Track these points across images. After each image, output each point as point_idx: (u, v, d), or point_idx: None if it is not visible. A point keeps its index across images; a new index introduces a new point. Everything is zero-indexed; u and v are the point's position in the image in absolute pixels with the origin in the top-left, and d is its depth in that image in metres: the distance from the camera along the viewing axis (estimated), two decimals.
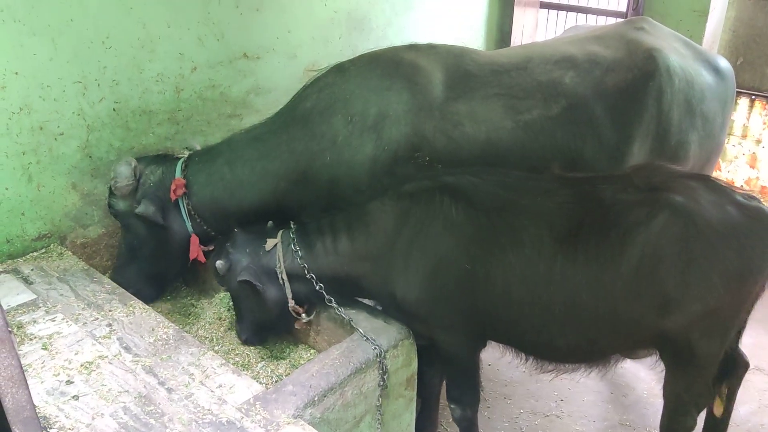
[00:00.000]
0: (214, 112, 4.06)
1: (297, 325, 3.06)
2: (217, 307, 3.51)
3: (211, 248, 3.38)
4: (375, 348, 2.77)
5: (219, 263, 2.93)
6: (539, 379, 3.86)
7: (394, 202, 2.83)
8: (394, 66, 3.23)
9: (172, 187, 3.22)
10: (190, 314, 3.57)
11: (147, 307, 3.04)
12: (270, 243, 2.95)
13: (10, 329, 1.72)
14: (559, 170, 2.82)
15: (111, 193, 3.34)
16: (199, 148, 3.50)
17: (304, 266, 2.90)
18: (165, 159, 3.38)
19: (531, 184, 2.75)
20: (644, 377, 4.04)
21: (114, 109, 3.59)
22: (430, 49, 3.38)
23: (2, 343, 1.67)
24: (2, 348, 1.67)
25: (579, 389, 3.93)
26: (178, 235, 3.34)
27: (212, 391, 2.52)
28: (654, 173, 2.68)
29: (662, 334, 2.61)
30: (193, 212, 3.29)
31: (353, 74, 3.22)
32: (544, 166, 2.96)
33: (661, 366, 2.82)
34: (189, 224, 3.31)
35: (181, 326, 3.23)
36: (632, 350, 2.80)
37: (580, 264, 2.54)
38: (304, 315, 3.02)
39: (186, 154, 3.44)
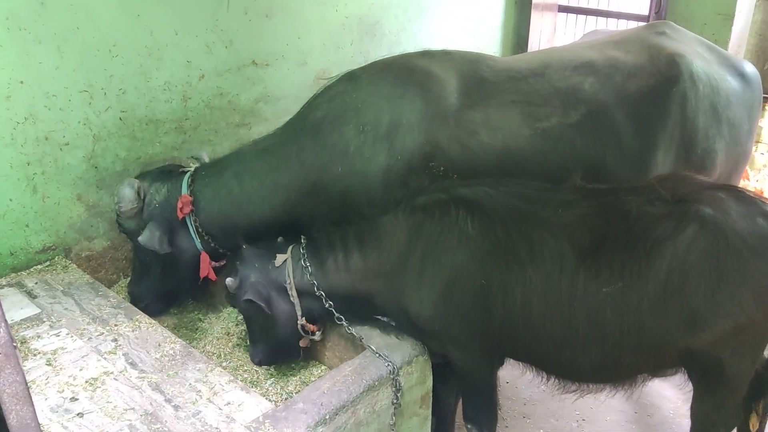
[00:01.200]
0: (222, 121, 4.10)
1: (302, 343, 3.08)
2: (225, 321, 3.53)
3: (222, 264, 3.42)
4: (388, 365, 2.77)
5: (229, 280, 2.95)
6: (560, 397, 3.77)
7: (406, 215, 2.83)
8: (407, 73, 3.25)
9: (179, 205, 3.23)
10: (197, 329, 3.59)
11: (153, 321, 3.06)
12: (279, 258, 2.96)
13: (15, 344, 1.74)
14: (580, 180, 2.80)
15: (117, 214, 3.37)
16: (206, 158, 3.54)
17: (314, 283, 2.91)
18: (170, 175, 3.41)
19: (551, 196, 2.73)
20: (670, 396, 3.99)
21: (120, 119, 3.64)
22: (445, 55, 3.40)
23: (7, 359, 1.67)
24: (7, 364, 1.67)
25: (601, 409, 3.89)
26: (187, 253, 3.36)
27: (220, 409, 2.53)
28: (680, 184, 2.67)
29: (691, 352, 2.58)
30: (201, 229, 3.30)
31: (365, 82, 3.24)
32: (564, 176, 2.95)
33: (688, 384, 2.79)
34: (198, 242, 3.34)
35: (188, 341, 3.24)
36: (659, 369, 2.77)
37: (604, 279, 2.53)
38: (317, 334, 3.04)
39: (193, 166, 3.47)
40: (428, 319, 2.79)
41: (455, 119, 3.15)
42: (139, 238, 3.21)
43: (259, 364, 3.15)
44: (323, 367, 3.22)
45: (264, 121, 4.26)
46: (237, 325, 3.48)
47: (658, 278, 2.49)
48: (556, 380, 2.84)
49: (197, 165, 3.48)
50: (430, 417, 3.08)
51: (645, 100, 3.32)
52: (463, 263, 2.70)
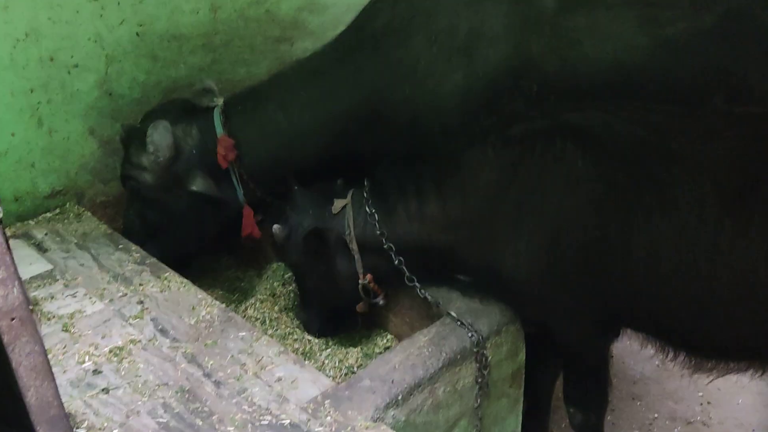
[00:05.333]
0: (258, 36, 4.05)
1: (359, 308, 3.09)
2: (270, 281, 3.56)
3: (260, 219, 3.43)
4: (472, 335, 2.74)
5: (276, 228, 2.95)
6: (679, 375, 3.75)
7: (498, 149, 2.75)
8: None
9: (221, 151, 3.24)
10: (235, 290, 3.62)
11: (185, 280, 3.08)
12: (338, 204, 2.95)
13: (31, 307, 1.73)
14: (723, 103, 2.65)
15: (135, 166, 3.36)
16: (215, 87, 3.49)
17: (381, 233, 2.88)
18: (193, 112, 3.40)
19: (686, 124, 2.61)
20: None
21: (137, 34, 3.61)
22: None
23: (23, 325, 1.67)
24: (23, 331, 1.67)
25: (731, 389, 3.83)
26: (228, 208, 3.39)
27: (270, 386, 2.52)
28: None
29: None
30: (245, 176, 3.33)
31: None
32: (692, 98, 2.82)
33: None
34: (241, 193, 3.37)
35: (225, 304, 3.21)
36: None
37: (757, 230, 2.41)
38: (380, 297, 3.03)
39: (214, 100, 3.41)
40: (525, 280, 2.75)
41: (552, 26, 3.02)
42: (193, 187, 3.25)
43: (314, 334, 3.19)
44: (389, 336, 3.24)
45: (309, 34, 4.19)
46: (284, 285, 3.50)
47: None
48: (688, 356, 2.77)
49: (212, 98, 3.44)
50: (522, 399, 3.06)
51: None
52: (572, 210, 2.63)
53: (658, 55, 3.00)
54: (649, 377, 3.95)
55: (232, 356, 2.65)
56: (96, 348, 2.68)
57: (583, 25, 3.01)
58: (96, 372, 2.57)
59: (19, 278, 1.69)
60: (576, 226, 2.63)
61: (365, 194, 2.95)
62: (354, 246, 2.92)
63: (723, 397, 3.81)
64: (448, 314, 2.81)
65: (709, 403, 3.79)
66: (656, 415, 3.73)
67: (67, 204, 3.58)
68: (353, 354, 3.12)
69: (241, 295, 3.55)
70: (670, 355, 2.81)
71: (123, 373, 2.56)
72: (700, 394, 3.84)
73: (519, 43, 2.99)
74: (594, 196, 2.61)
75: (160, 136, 3.21)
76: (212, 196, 3.28)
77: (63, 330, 2.76)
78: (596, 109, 2.71)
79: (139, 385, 2.51)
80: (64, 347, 2.68)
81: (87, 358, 2.63)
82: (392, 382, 2.52)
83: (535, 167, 2.68)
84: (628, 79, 2.99)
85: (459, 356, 2.69)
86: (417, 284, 2.90)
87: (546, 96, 2.98)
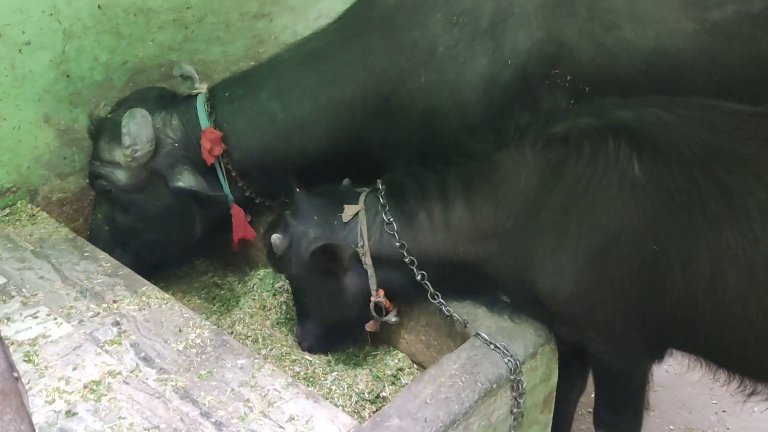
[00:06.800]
0: (234, 11, 3.93)
1: (369, 327, 2.93)
2: (258, 291, 3.34)
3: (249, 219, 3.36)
4: (508, 360, 2.54)
5: (276, 237, 2.75)
6: (691, 383, 3.72)
7: (537, 150, 2.57)
8: None
9: (206, 145, 3.07)
10: (214, 298, 3.44)
11: (166, 296, 2.91)
12: (349, 210, 2.76)
13: (16, 375, 1.44)
14: None
15: (106, 163, 3.14)
16: (194, 72, 3.36)
17: (401, 245, 2.70)
18: (173, 101, 3.25)
19: (756, 123, 2.42)
20: None
21: (99, 6, 3.45)
22: None
23: (5, 399, 1.43)
24: (6, 406, 1.42)
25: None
26: (217, 208, 3.27)
27: (281, 427, 2.29)
28: None
29: None
30: (234, 173, 3.19)
31: None
32: (750, 91, 2.69)
33: None
34: (228, 191, 3.23)
35: (204, 316, 3.10)
36: None
37: None
38: (392, 314, 2.87)
39: (196, 87, 3.27)
40: (568, 298, 2.57)
41: (588, 7, 2.90)
42: (178, 183, 3.09)
43: (310, 351, 3.02)
44: (400, 355, 3.03)
45: (289, 10, 4.11)
46: (274, 295, 3.30)
47: None
48: (748, 382, 2.61)
49: (192, 85, 3.32)
50: (550, 423, 2.92)
51: None
52: (625, 220, 2.46)
53: (703, 41, 2.91)
54: (660, 385, 3.83)
55: (233, 390, 2.42)
56: (67, 383, 2.43)
57: (622, 8, 2.92)
58: (70, 414, 2.32)
59: (2, 341, 1.36)
60: (630, 238, 2.46)
61: (380, 199, 2.75)
62: (368, 260, 2.75)
63: (737, 405, 3.66)
64: (479, 335, 2.61)
65: (724, 411, 3.72)
66: (671, 427, 3.65)
67: (19, 203, 3.42)
68: (362, 377, 2.88)
69: (221, 305, 3.34)
70: (724, 378, 2.65)
71: (103, 414, 2.32)
72: (714, 402, 3.77)
73: (552, 26, 2.86)
74: (651, 205, 2.44)
75: (138, 126, 3.01)
76: (202, 193, 3.12)
77: (25, 360, 2.50)
78: (653, 105, 2.54)
79: (124, 430, 2.26)
80: (28, 382, 2.40)
81: (57, 396, 2.38)
82: (425, 420, 2.29)
83: (582, 170, 2.49)
84: (671, 67, 2.90)
85: (495, 385, 2.48)
86: (442, 301, 2.72)
87: (581, 86, 2.86)
